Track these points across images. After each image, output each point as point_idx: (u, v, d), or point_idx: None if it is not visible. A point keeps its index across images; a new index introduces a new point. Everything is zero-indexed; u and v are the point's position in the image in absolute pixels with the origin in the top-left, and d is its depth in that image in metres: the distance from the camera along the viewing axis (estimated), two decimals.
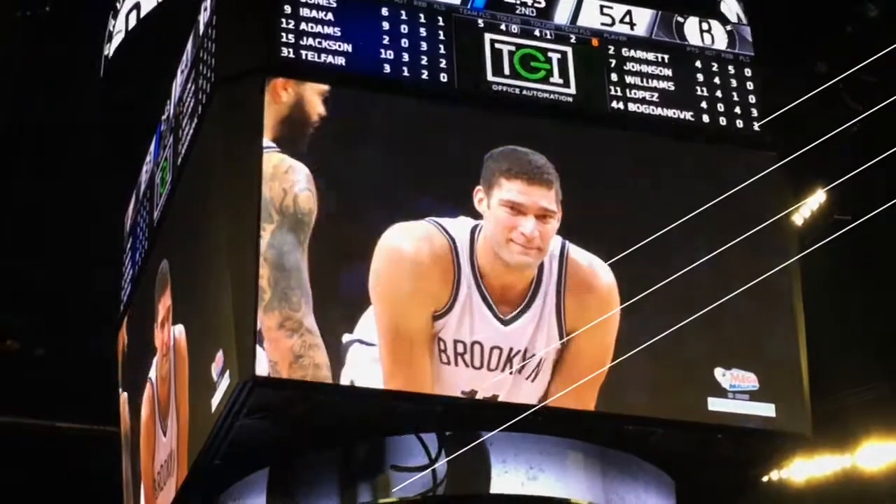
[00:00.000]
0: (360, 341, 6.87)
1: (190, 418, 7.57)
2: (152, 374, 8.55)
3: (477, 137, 7.38)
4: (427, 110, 7.37)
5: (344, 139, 7.20)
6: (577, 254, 7.30)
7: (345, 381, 6.79)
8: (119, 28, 9.17)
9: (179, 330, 7.91)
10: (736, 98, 7.91)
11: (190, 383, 7.61)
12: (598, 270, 7.31)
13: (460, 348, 7.00)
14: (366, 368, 6.84)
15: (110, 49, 9.28)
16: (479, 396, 6.98)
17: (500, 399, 7.01)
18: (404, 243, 7.06)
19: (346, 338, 6.86)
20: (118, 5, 9.18)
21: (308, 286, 6.84)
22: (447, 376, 6.95)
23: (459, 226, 7.17)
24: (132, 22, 8.98)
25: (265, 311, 6.73)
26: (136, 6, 8.94)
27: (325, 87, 7.18)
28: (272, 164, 6.97)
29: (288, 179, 6.97)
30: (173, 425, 7.94)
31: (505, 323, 7.10)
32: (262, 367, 6.65)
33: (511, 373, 7.03)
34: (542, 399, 7.07)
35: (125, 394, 9.64)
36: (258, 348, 6.67)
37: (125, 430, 9.58)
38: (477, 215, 7.22)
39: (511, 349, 7.06)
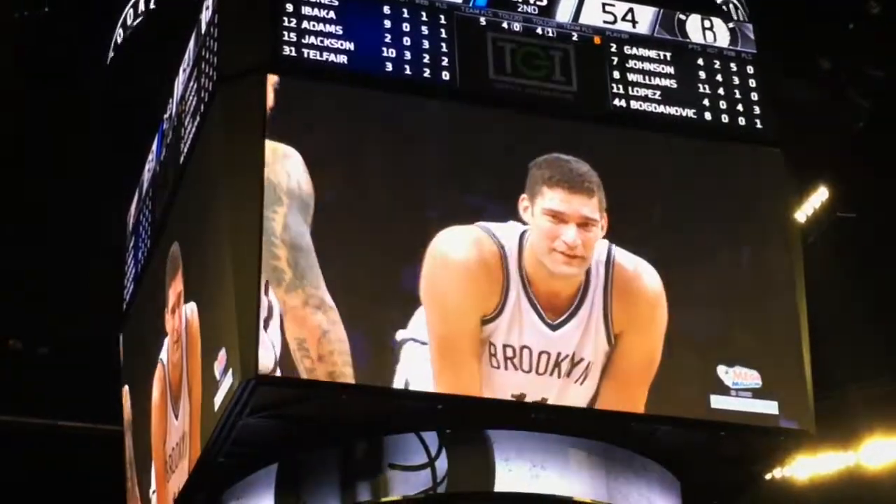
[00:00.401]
0: (415, 340, 6.93)
1: (202, 401, 7.55)
2: (163, 355, 8.55)
3: (516, 141, 7.42)
4: (461, 115, 7.41)
5: (379, 137, 7.26)
6: (623, 258, 7.32)
7: (399, 378, 6.85)
8: (120, 27, 9.17)
9: (191, 308, 7.91)
10: (738, 95, 7.90)
11: (202, 368, 7.60)
12: (643, 274, 7.34)
13: (510, 352, 7.03)
14: (420, 368, 6.90)
15: (112, 52, 9.28)
16: (528, 400, 7.03)
17: (548, 402, 7.06)
18: (455, 249, 7.10)
19: (400, 334, 6.91)
20: (129, 21, 9.17)
21: (318, 266, 6.86)
22: (497, 380, 7.00)
23: (509, 231, 7.19)
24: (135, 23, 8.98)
25: (287, 291, 6.78)
26: (139, 13, 8.94)
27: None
28: (270, 149, 7.00)
29: (288, 164, 7.00)
30: (185, 407, 7.94)
31: (553, 328, 7.12)
32: (276, 351, 6.70)
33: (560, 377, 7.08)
34: (592, 402, 7.13)
35: (126, 386, 9.64)
36: (276, 327, 6.71)
37: (127, 419, 9.59)
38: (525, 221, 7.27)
39: (559, 354, 7.09)
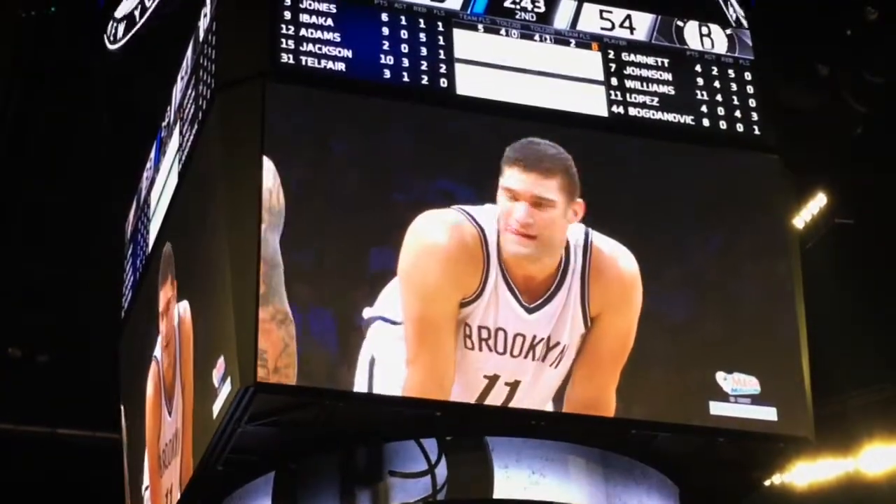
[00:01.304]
0: (383, 318, 6.94)
1: (197, 405, 7.56)
2: (157, 353, 8.57)
3: (492, 127, 7.43)
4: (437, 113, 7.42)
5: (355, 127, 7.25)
6: (601, 241, 7.34)
7: (364, 355, 6.86)
8: (119, 34, 9.17)
9: (184, 306, 7.91)
10: (736, 102, 7.90)
11: (196, 370, 7.59)
12: (620, 258, 7.36)
13: (484, 334, 7.06)
14: (389, 347, 6.91)
15: (111, 58, 9.28)
16: (502, 381, 7.03)
17: (522, 384, 7.06)
18: (435, 233, 7.12)
19: (367, 312, 6.92)
20: (115, 19, 9.17)
21: (284, 283, 6.87)
22: (470, 361, 7.02)
23: (486, 214, 7.20)
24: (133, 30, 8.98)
25: (260, 305, 6.77)
26: (138, 20, 8.92)
27: None
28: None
29: (265, 177, 6.99)
30: (178, 405, 7.96)
31: (529, 311, 7.14)
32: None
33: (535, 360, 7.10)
34: (564, 384, 7.13)
35: (123, 406, 9.65)
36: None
37: (124, 438, 9.60)
38: None
39: (535, 337, 7.11)
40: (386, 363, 6.91)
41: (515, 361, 7.06)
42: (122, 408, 9.72)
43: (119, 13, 9.13)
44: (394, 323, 6.95)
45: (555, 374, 7.13)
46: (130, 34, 9.04)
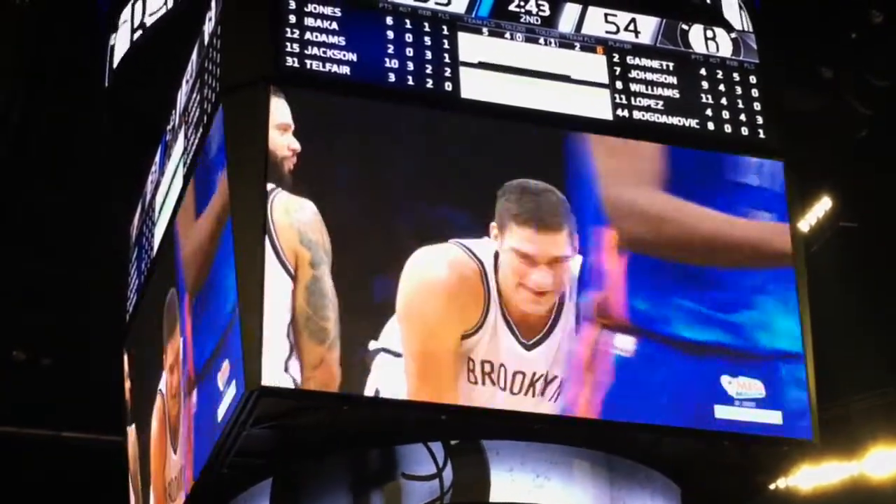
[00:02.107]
0: (387, 350, 6.89)
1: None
2: (162, 386, 8.53)
3: (488, 148, 7.39)
4: (436, 120, 7.37)
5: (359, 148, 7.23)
6: None
7: (370, 389, 6.81)
8: (122, 37, 9.16)
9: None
10: (741, 105, 7.90)
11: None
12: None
13: (487, 368, 7.00)
14: (393, 379, 6.86)
15: (114, 61, 9.27)
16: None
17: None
18: (435, 268, 7.06)
19: (372, 345, 6.87)
20: (118, 23, 9.16)
21: (335, 299, 6.87)
22: (474, 396, 6.96)
23: (484, 248, 7.14)
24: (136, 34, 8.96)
25: (329, 349, 6.78)
26: (142, 24, 8.90)
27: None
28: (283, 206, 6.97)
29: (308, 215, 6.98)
30: (184, 442, 7.93)
31: (528, 348, 7.10)
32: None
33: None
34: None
35: (132, 426, 9.64)
36: (297, 370, 6.71)
37: (133, 464, 9.57)
38: None
39: (534, 374, 7.06)
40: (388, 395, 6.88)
41: (515, 399, 7.01)
42: (130, 429, 9.66)
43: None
44: (396, 355, 6.89)
45: (554, 407, 7.07)
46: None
